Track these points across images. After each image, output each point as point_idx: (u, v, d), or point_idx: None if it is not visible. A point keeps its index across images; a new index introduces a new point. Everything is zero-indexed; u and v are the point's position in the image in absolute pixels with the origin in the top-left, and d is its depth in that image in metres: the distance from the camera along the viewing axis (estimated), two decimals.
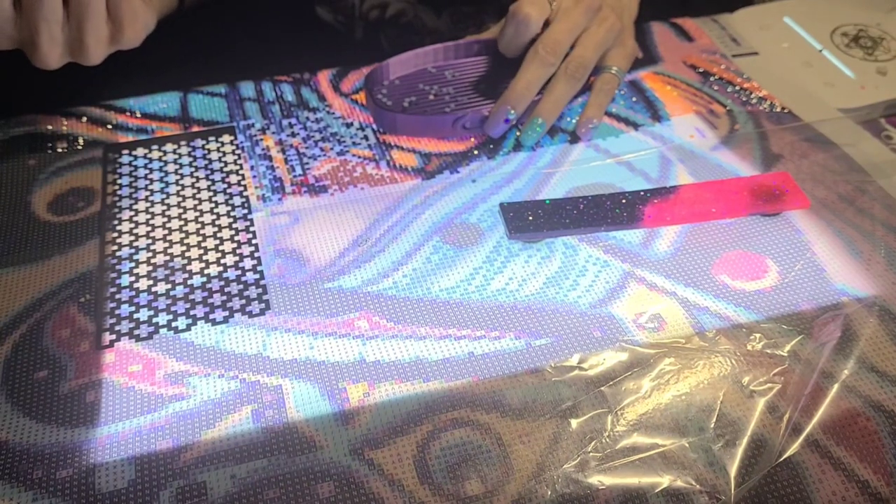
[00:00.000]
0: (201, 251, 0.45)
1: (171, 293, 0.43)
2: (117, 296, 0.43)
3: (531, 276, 0.44)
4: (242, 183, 0.50)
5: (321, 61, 0.60)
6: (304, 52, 0.63)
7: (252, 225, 0.47)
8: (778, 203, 0.47)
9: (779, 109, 0.56)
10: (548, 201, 0.48)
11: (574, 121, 0.55)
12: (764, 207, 0.47)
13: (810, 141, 0.53)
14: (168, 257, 0.45)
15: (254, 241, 0.46)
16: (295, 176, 0.51)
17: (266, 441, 0.36)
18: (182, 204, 0.48)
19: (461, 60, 0.57)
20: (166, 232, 0.47)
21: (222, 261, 0.45)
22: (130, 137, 0.54)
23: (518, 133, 0.53)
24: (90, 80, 0.51)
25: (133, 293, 0.43)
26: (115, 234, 0.46)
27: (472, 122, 0.52)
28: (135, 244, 0.46)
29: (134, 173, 0.51)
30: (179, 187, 0.50)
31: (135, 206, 0.48)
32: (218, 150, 0.53)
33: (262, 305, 0.42)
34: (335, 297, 0.43)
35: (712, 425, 0.36)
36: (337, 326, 0.41)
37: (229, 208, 0.48)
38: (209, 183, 0.50)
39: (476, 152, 0.52)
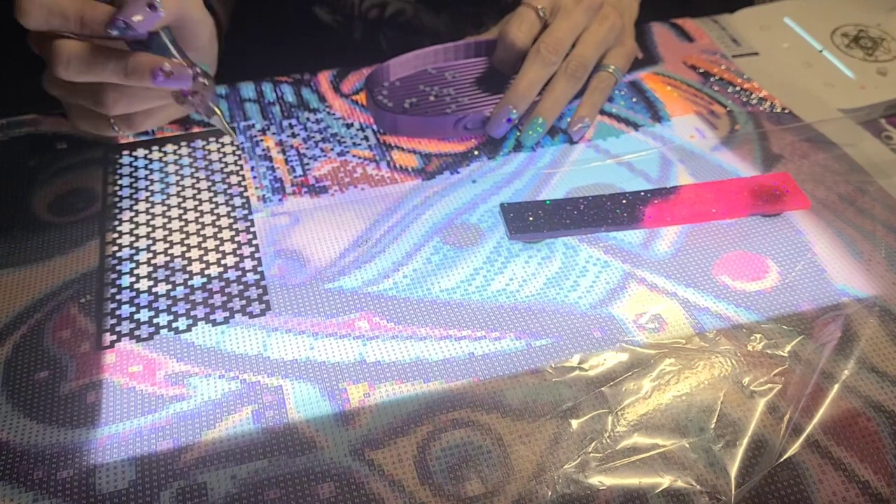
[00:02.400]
0: (202, 252, 0.45)
1: (172, 294, 0.43)
2: (118, 296, 0.43)
3: (531, 276, 0.44)
4: (243, 184, 0.50)
5: (319, 62, 0.60)
6: (302, 53, 0.63)
7: (252, 225, 0.47)
8: (778, 203, 0.47)
9: (779, 110, 0.56)
10: (548, 202, 0.48)
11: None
12: (764, 208, 0.47)
13: (811, 141, 0.53)
14: (168, 258, 0.45)
15: (254, 242, 0.46)
16: (295, 176, 0.51)
17: (266, 441, 0.36)
18: (182, 205, 0.48)
19: (462, 61, 0.57)
20: (167, 233, 0.47)
21: (223, 261, 0.45)
22: (131, 138, 0.54)
23: (518, 133, 0.53)
24: None
25: (133, 294, 0.43)
26: (116, 235, 0.46)
27: (473, 123, 0.52)
28: (135, 245, 0.46)
29: (134, 174, 0.51)
30: (180, 188, 0.50)
31: (135, 207, 0.48)
32: (218, 150, 0.53)
33: (263, 306, 0.42)
34: (335, 297, 0.43)
35: (713, 426, 0.36)
36: (337, 327, 0.41)
37: (230, 209, 0.48)
38: (209, 184, 0.50)
39: (476, 153, 0.52)
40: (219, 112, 0.42)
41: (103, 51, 0.38)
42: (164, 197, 0.49)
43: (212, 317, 0.42)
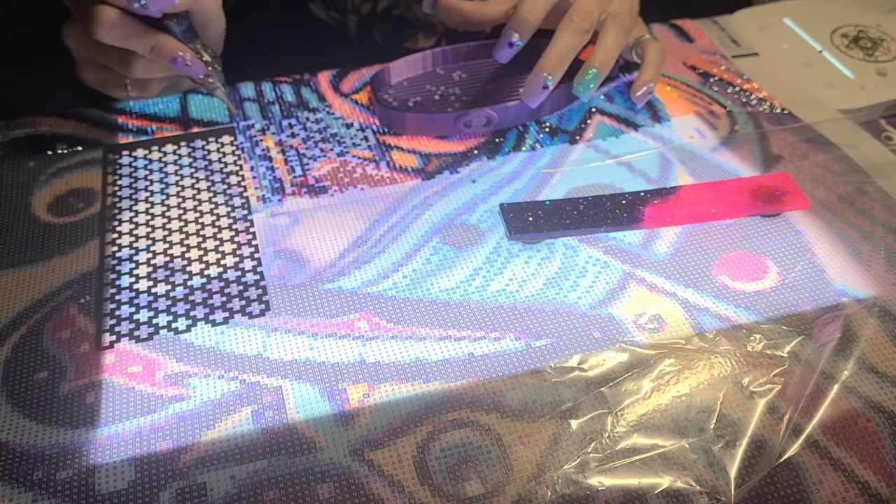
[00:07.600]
0: (201, 252, 0.45)
1: (171, 294, 0.43)
2: (117, 297, 0.43)
3: (531, 276, 0.44)
4: (242, 184, 0.50)
5: (316, 58, 0.60)
6: (299, 49, 0.63)
7: (252, 226, 0.47)
8: (778, 204, 0.47)
9: (779, 110, 0.56)
10: (548, 202, 0.48)
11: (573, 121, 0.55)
12: (764, 208, 0.47)
13: (810, 142, 0.53)
14: (168, 258, 0.45)
15: (254, 242, 0.46)
16: (295, 177, 0.51)
17: (266, 442, 0.36)
18: (182, 205, 0.48)
19: (471, 62, 0.57)
20: (166, 233, 0.47)
21: (222, 262, 0.45)
22: (130, 138, 0.54)
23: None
24: None
25: (133, 294, 0.43)
26: (115, 235, 0.46)
27: (475, 120, 0.52)
28: (135, 245, 0.46)
29: (134, 174, 0.51)
30: (179, 188, 0.50)
31: (135, 207, 0.48)
32: (218, 150, 0.53)
33: (263, 306, 0.42)
34: (335, 297, 0.43)
35: (712, 426, 0.36)
36: (337, 327, 0.41)
37: (229, 209, 0.48)
38: (209, 184, 0.50)
39: (476, 152, 0.52)
40: (223, 90, 0.47)
41: (139, 25, 0.42)
42: (164, 197, 0.49)
43: (211, 317, 0.42)
